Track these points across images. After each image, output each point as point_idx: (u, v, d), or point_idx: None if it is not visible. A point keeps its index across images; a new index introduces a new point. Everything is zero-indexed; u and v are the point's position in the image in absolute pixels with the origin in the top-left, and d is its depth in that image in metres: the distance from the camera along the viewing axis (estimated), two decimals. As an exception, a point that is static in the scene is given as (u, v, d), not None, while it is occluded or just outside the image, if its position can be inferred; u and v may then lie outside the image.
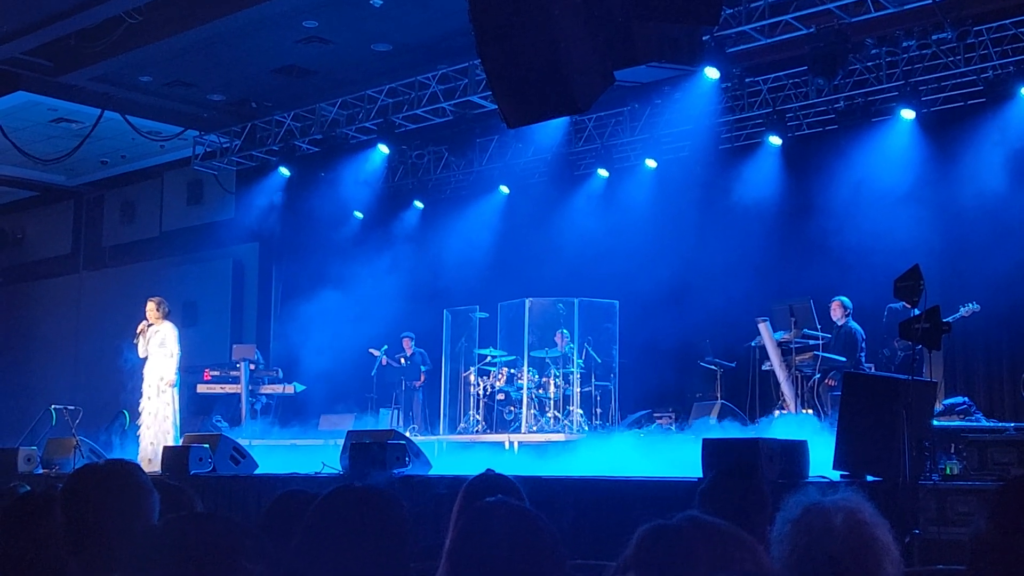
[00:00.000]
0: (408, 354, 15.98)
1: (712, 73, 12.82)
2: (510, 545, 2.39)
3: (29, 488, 6.90)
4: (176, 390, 12.70)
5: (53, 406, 14.22)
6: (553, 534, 2.48)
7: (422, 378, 15.94)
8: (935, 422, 8.44)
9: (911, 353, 7.44)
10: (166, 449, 11.14)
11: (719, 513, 1.95)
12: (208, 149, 17.52)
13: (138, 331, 12.63)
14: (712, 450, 7.24)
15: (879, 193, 12.86)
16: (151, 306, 12.64)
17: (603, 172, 15.82)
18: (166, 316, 12.72)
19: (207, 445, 10.78)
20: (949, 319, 9.89)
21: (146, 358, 12.64)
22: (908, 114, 12.99)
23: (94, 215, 21.51)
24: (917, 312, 7.23)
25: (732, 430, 11.24)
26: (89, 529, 2.85)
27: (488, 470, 3.85)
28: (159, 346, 12.57)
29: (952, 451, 7.83)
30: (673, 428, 13.37)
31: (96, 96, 16.21)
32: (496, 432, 13.80)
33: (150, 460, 11.90)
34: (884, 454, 6.78)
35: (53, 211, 22.09)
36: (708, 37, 11.94)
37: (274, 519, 3.39)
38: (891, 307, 11.35)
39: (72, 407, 13.34)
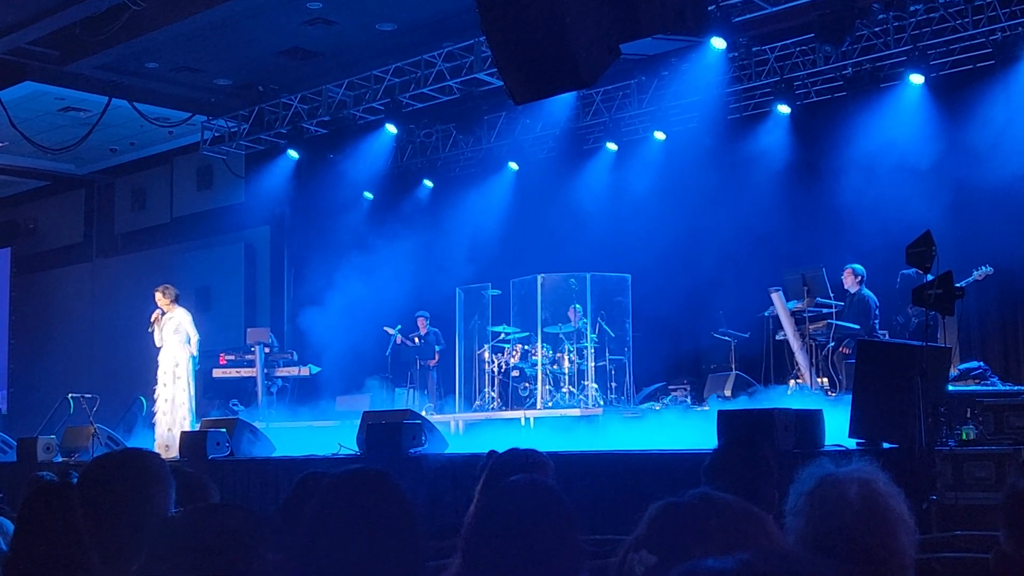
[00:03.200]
0: (422, 333, 16.01)
1: (719, 43, 12.75)
2: (526, 523, 2.40)
3: (48, 477, 6.97)
4: (192, 375, 12.75)
5: (70, 395, 14.31)
6: (570, 511, 2.49)
7: (436, 357, 15.98)
8: (950, 387, 8.43)
9: (925, 319, 7.42)
10: (184, 434, 11.20)
11: (725, 485, 1.96)
12: (216, 134, 17.52)
13: (152, 320, 12.67)
14: (727, 421, 7.26)
15: (889, 159, 12.80)
16: (158, 295, 12.68)
17: (612, 146, 15.78)
18: (176, 301, 12.75)
19: (224, 429, 10.84)
20: (962, 283, 9.85)
21: (162, 346, 12.70)
22: (917, 79, 12.92)
23: (105, 203, 21.56)
24: (930, 278, 7.21)
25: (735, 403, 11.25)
26: (107, 517, 2.86)
27: (513, 448, 3.86)
28: (173, 332, 12.62)
29: (968, 416, 7.82)
30: (688, 400, 13.39)
31: (103, 84, 16.22)
32: (512, 409, 13.82)
33: (167, 446, 11.97)
34: (900, 421, 6.78)
35: (64, 200, 22.15)
36: (713, 7, 11.88)
37: (296, 503, 3.41)
38: (904, 273, 11.31)
39: (89, 395, 13.42)
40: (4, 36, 14.62)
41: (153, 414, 12.92)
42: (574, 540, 2.44)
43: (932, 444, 6.65)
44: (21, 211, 22.65)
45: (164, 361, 12.62)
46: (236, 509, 2.26)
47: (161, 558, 2.07)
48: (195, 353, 12.71)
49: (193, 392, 12.77)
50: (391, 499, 2.43)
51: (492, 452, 4.08)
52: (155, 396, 12.77)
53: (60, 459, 11.96)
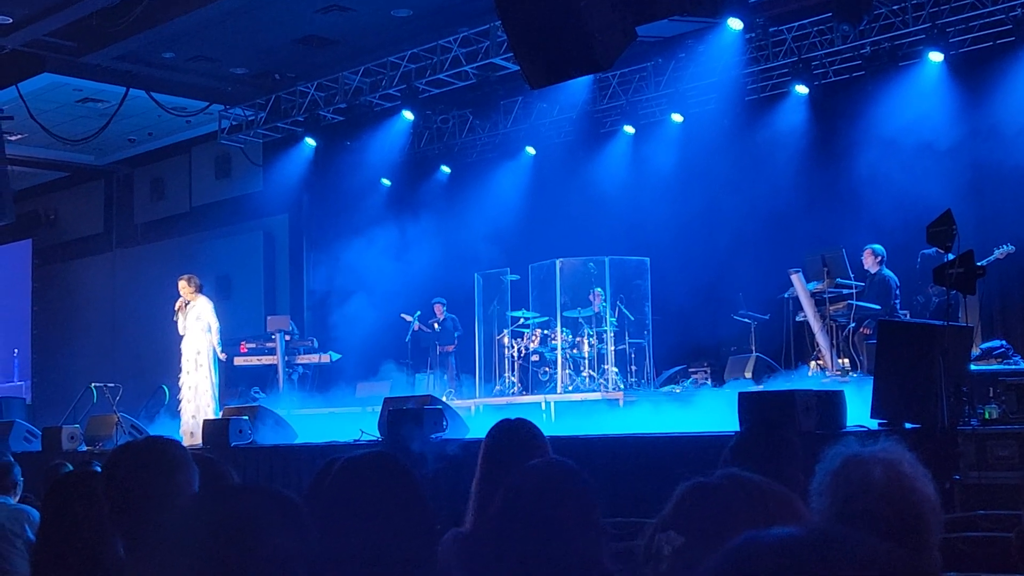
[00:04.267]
0: (440, 319, 16.04)
1: (735, 24, 12.68)
2: (550, 505, 2.41)
3: (65, 466, 7.03)
4: (215, 363, 12.84)
5: (93, 384, 14.41)
6: (593, 492, 2.50)
7: (454, 343, 16.00)
8: (972, 366, 8.39)
9: (946, 298, 7.39)
10: (206, 422, 11.27)
11: (751, 467, 1.95)
12: (234, 123, 17.56)
13: (176, 309, 12.76)
14: (748, 403, 7.25)
15: (909, 138, 12.72)
16: (182, 284, 12.78)
17: (629, 129, 15.74)
18: (199, 291, 12.86)
19: (246, 417, 10.89)
20: (983, 262, 9.78)
21: (184, 334, 12.79)
22: (936, 57, 12.82)
23: (124, 193, 21.65)
24: (951, 257, 7.17)
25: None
26: (131, 505, 2.88)
27: (504, 419, 3.89)
28: (195, 320, 12.71)
29: (990, 395, 7.78)
30: (708, 383, 13.37)
31: (120, 75, 16.28)
32: (532, 393, 13.83)
33: (192, 434, 12.05)
34: (922, 401, 6.76)
35: (84, 191, 22.25)
36: (730, -13, 11.82)
37: (319, 488, 3.43)
38: (924, 253, 11.26)
39: (112, 384, 13.52)
40: (22, 28, 14.68)
41: (178, 402, 13.01)
42: (596, 522, 2.45)
43: (954, 424, 6.62)
44: (42, 202, 22.77)
45: (187, 349, 12.72)
46: (249, 492, 2.27)
47: (172, 543, 2.08)
48: (216, 342, 12.79)
49: (215, 380, 12.85)
50: (401, 481, 2.44)
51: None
52: (179, 384, 12.86)
53: (84, 448, 12.05)
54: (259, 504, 2.06)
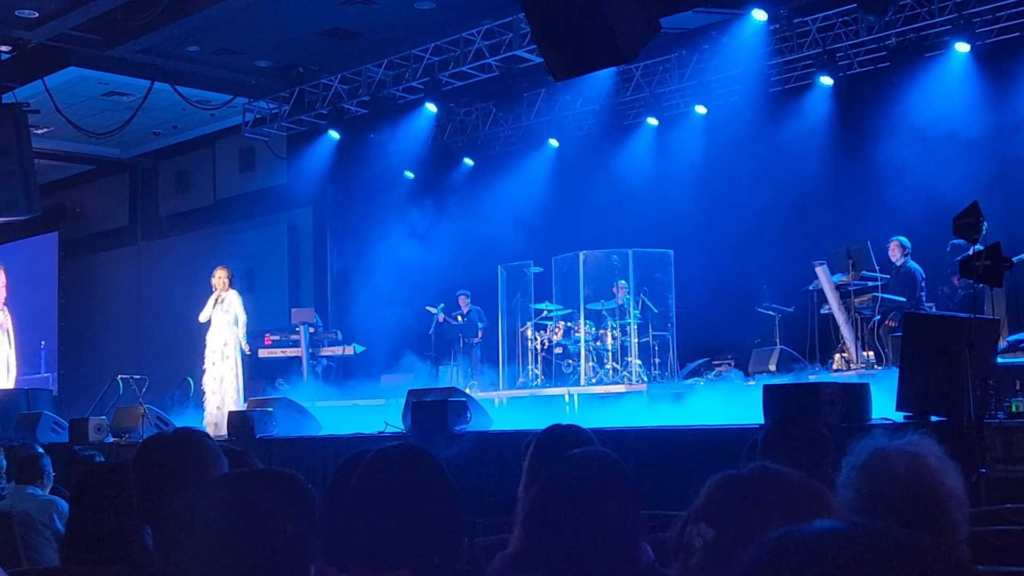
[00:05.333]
0: (464, 312, 16.06)
1: (759, 15, 12.64)
2: (591, 495, 2.41)
3: (86, 452, 7.07)
4: (240, 355, 12.93)
5: (120, 376, 14.52)
6: (633, 482, 2.50)
7: (479, 335, 16.02)
8: (999, 360, 8.34)
9: (972, 290, 7.34)
10: (231, 414, 11.33)
11: (781, 460, 1.95)
12: (258, 116, 17.63)
13: (216, 299, 12.85)
14: (773, 396, 7.23)
15: (935, 130, 12.63)
16: (223, 274, 12.92)
17: (652, 121, 15.69)
18: (231, 284, 13.04)
19: (271, 409, 10.95)
20: (1016, 259, 9.70)
21: (208, 325, 12.87)
22: (962, 47, 12.72)
23: (149, 186, 21.78)
24: (979, 248, 7.12)
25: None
26: (161, 496, 2.90)
27: (555, 424, 3.87)
28: (223, 312, 12.81)
29: (1017, 388, 7.73)
30: (732, 375, 13.33)
31: (145, 68, 16.35)
32: (555, 386, 13.84)
33: (215, 425, 12.13)
34: (948, 394, 6.72)
35: (109, 184, 22.39)
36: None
37: (344, 480, 3.44)
38: (954, 243, 11.18)
39: (138, 376, 13.62)
40: (48, 22, 14.78)
41: (202, 393, 13.10)
42: (636, 512, 2.45)
43: (981, 417, 6.59)
44: (68, 195, 22.93)
45: (213, 341, 12.81)
46: (260, 478, 2.28)
47: (185, 530, 2.10)
48: (242, 335, 12.90)
49: (241, 371, 12.94)
50: (431, 473, 2.45)
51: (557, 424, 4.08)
52: (203, 376, 12.95)
53: (111, 439, 12.14)
54: (266, 493, 2.08)
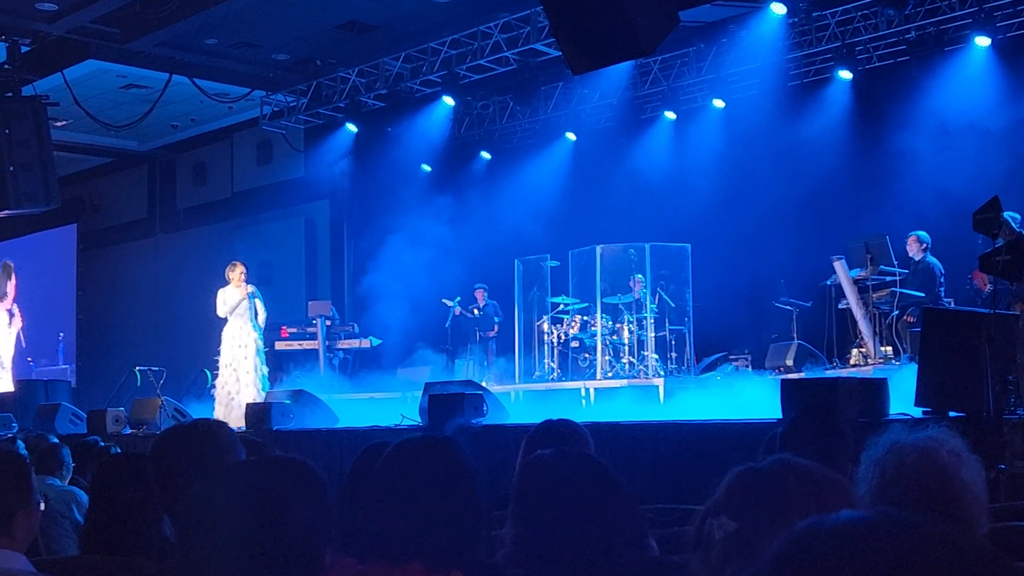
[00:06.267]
0: (481, 305, 16.07)
1: (778, 8, 12.59)
2: (568, 494, 2.43)
3: (98, 441, 7.10)
4: (259, 348, 12.97)
5: (137, 368, 14.58)
6: (612, 478, 2.51)
7: (495, 329, 16.02)
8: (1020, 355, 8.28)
9: (993, 285, 7.31)
10: (249, 406, 11.36)
11: (800, 454, 1.95)
12: (275, 109, 17.66)
13: (243, 294, 12.85)
14: (791, 391, 7.20)
15: (954, 124, 12.57)
16: (242, 268, 12.95)
17: (670, 114, 15.66)
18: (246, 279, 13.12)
19: (288, 401, 10.97)
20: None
21: (226, 319, 12.91)
22: (983, 41, 12.65)
23: (167, 179, 21.85)
24: (1000, 243, 7.08)
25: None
26: (179, 486, 2.91)
27: (547, 420, 3.88)
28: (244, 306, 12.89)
29: (1038, 384, 7.68)
30: (749, 370, 13.30)
31: (163, 61, 16.40)
32: (571, 380, 13.84)
33: (226, 417, 12.16)
34: (967, 389, 6.69)
35: (128, 176, 22.48)
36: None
37: (361, 472, 3.45)
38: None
39: (156, 368, 13.67)
40: (67, 16, 14.84)
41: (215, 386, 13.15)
42: (621, 508, 2.45)
43: (1000, 412, 6.55)
44: (86, 188, 23.02)
45: (233, 334, 12.85)
46: (272, 466, 2.29)
47: (196, 518, 2.11)
48: (261, 328, 12.96)
49: (259, 364, 12.97)
50: (454, 465, 2.45)
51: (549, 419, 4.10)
52: (219, 368, 12.98)
53: (129, 431, 12.19)
54: (277, 480, 2.09)
